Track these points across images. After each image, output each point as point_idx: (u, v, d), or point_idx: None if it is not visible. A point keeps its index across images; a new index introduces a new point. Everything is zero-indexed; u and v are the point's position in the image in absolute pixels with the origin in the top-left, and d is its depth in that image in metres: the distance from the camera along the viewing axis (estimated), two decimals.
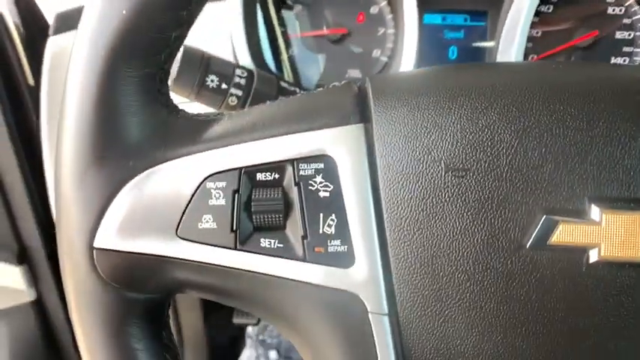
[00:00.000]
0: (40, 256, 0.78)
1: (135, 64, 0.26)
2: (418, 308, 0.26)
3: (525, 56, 0.56)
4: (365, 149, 0.27)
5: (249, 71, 0.42)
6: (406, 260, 0.26)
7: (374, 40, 0.59)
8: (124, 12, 0.25)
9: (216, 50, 0.47)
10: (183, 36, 0.28)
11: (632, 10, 0.54)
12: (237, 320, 0.90)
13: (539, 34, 0.56)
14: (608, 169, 0.25)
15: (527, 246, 0.25)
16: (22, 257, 0.78)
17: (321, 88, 0.31)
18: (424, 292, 0.26)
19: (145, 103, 0.27)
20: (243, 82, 0.40)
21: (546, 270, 0.25)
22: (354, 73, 0.59)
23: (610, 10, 0.55)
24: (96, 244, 0.27)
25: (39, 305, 0.82)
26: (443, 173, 0.26)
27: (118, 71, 0.26)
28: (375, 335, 0.26)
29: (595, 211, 0.25)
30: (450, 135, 0.26)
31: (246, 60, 0.53)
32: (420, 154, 0.26)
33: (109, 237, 0.27)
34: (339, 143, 0.27)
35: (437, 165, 0.26)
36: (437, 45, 0.59)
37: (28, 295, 0.80)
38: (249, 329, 0.92)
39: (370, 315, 0.26)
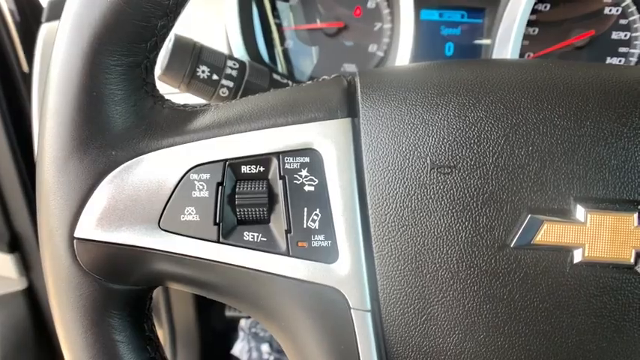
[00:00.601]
0: (31, 244, 0.78)
1: (119, 52, 0.26)
2: (401, 305, 0.26)
3: (521, 54, 0.55)
4: (351, 144, 0.27)
5: (242, 63, 0.41)
6: (390, 257, 0.26)
7: (370, 35, 0.58)
8: None
9: (210, 42, 0.47)
10: (170, 25, 0.27)
11: (629, 10, 0.54)
12: (229, 313, 0.90)
13: (536, 33, 0.56)
14: (594, 169, 0.25)
15: (512, 245, 0.25)
16: (14, 245, 0.78)
17: (310, 81, 0.30)
18: (407, 289, 0.26)
19: (129, 93, 0.27)
20: (234, 73, 0.40)
21: (530, 269, 0.25)
22: (350, 68, 0.59)
23: (607, 11, 0.54)
24: (77, 234, 0.27)
25: (30, 293, 0.81)
26: (428, 170, 0.26)
27: (102, 59, 0.26)
28: (356, 331, 0.26)
29: (580, 211, 0.25)
30: (436, 131, 0.26)
31: (240, 52, 0.52)
32: (406, 150, 0.26)
33: (90, 227, 0.27)
34: (326, 137, 0.27)
35: (423, 161, 0.26)
36: (433, 41, 0.59)
37: (19, 284, 0.80)
38: (242, 322, 0.92)
39: (352, 311, 0.26)
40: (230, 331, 0.95)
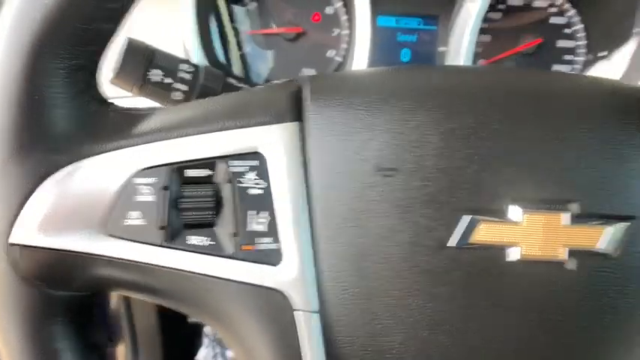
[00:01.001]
0: None
1: (61, 55, 0.26)
2: (347, 306, 0.27)
3: (475, 61, 0.57)
4: (298, 147, 0.27)
5: (196, 66, 0.41)
6: (336, 258, 0.27)
7: (329, 41, 0.59)
8: (47, 1, 0.25)
9: (168, 46, 0.46)
10: (115, 28, 0.27)
11: (573, 20, 0.57)
12: (193, 319, 0.89)
13: (489, 40, 0.58)
14: (529, 171, 0.26)
15: (450, 245, 0.26)
16: None
17: (261, 85, 0.31)
18: (353, 289, 0.27)
19: (72, 96, 0.27)
20: (188, 77, 0.40)
21: (468, 268, 0.26)
22: (309, 72, 0.60)
23: (553, 20, 0.57)
24: (15, 240, 0.26)
25: None
26: (372, 172, 0.27)
27: (44, 62, 0.25)
28: (302, 333, 0.27)
29: (515, 211, 0.26)
30: (380, 135, 0.27)
31: (197, 56, 0.52)
32: (351, 153, 0.27)
33: (29, 233, 0.26)
34: (272, 141, 0.27)
35: (367, 164, 0.27)
36: (390, 47, 0.60)
37: None
38: (206, 328, 0.91)
39: (298, 313, 0.26)
40: (194, 337, 0.94)
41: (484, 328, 0.27)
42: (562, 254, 0.26)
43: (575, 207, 0.26)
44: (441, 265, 0.26)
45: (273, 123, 0.27)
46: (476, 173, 0.26)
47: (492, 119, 0.27)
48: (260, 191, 0.27)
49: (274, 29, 0.59)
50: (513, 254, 0.26)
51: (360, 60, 0.56)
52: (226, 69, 0.54)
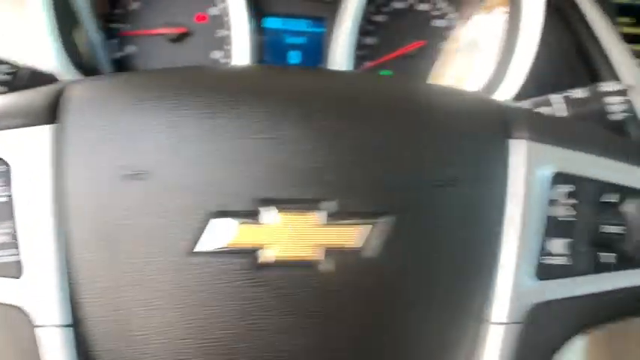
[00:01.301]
0: None
1: None
2: (101, 318, 0.25)
3: (359, 63, 0.56)
4: (49, 153, 0.25)
5: (20, 68, 0.39)
6: (90, 269, 0.25)
7: (214, 42, 0.58)
8: None
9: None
10: None
11: (454, 23, 0.56)
12: None
13: (374, 42, 0.57)
14: (281, 171, 0.25)
15: (199, 250, 0.25)
16: None
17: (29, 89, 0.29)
18: (106, 302, 0.25)
19: None
20: (6, 78, 0.38)
21: (219, 273, 0.25)
22: None
23: (436, 23, 0.56)
24: None
25: None
26: (125, 177, 0.25)
27: None
28: (52, 350, 0.25)
29: (268, 213, 0.25)
30: (137, 137, 0.25)
31: (57, 59, 0.49)
32: (106, 158, 0.25)
33: None
34: (18, 146, 0.25)
35: (121, 170, 0.25)
36: (277, 49, 0.59)
37: None
38: None
39: (42, 329, 0.25)
40: None
41: (241, 334, 0.25)
42: (318, 254, 0.25)
43: (330, 205, 0.25)
44: (191, 273, 0.25)
45: (21, 127, 0.26)
46: (224, 175, 0.25)
47: (247, 120, 0.26)
48: (4, 199, 0.25)
49: (156, 29, 0.57)
50: (267, 256, 0.25)
51: (242, 62, 0.54)
52: (92, 71, 0.52)
